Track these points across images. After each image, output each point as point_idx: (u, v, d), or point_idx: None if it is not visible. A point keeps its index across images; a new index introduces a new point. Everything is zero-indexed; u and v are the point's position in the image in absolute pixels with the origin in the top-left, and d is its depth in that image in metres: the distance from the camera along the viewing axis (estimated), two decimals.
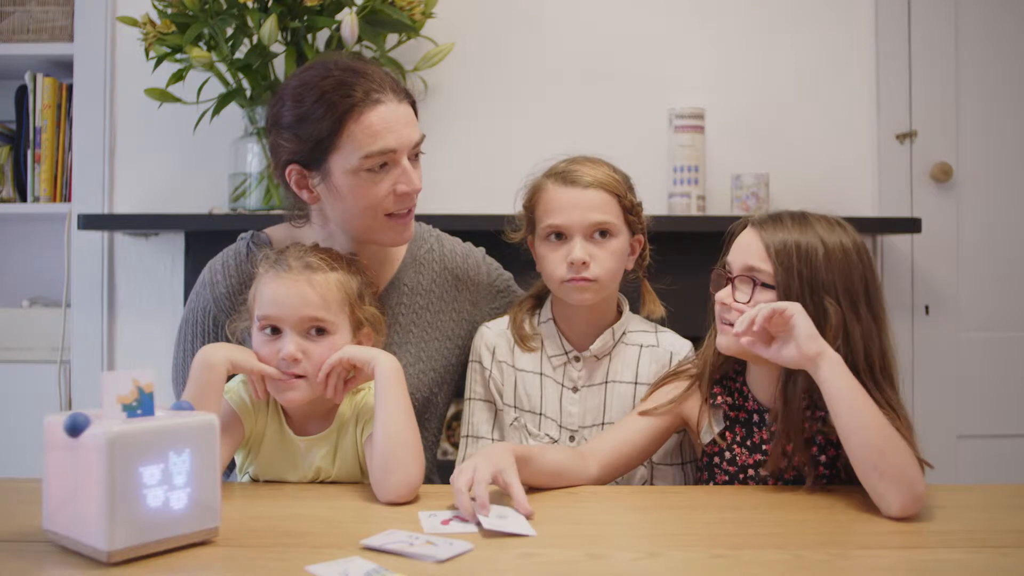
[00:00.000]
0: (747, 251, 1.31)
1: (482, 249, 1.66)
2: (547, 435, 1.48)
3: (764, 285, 1.27)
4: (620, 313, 1.53)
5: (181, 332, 1.54)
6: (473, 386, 1.54)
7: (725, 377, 1.40)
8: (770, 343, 1.24)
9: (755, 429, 1.36)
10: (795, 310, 1.22)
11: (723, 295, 1.32)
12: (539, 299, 1.56)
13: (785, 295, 1.26)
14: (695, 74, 2.49)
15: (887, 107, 2.51)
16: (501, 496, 1.18)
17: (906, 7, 2.51)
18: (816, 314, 1.24)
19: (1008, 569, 0.98)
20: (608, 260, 1.43)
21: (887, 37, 2.51)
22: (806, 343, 1.20)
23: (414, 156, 1.43)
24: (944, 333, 2.53)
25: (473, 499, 1.12)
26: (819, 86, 2.51)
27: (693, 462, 1.50)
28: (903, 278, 2.52)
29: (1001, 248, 2.55)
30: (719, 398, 1.38)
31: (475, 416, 1.53)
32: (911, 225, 2.35)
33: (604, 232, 1.43)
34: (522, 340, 1.52)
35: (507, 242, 1.54)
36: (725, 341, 1.31)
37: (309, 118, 1.36)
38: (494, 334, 1.54)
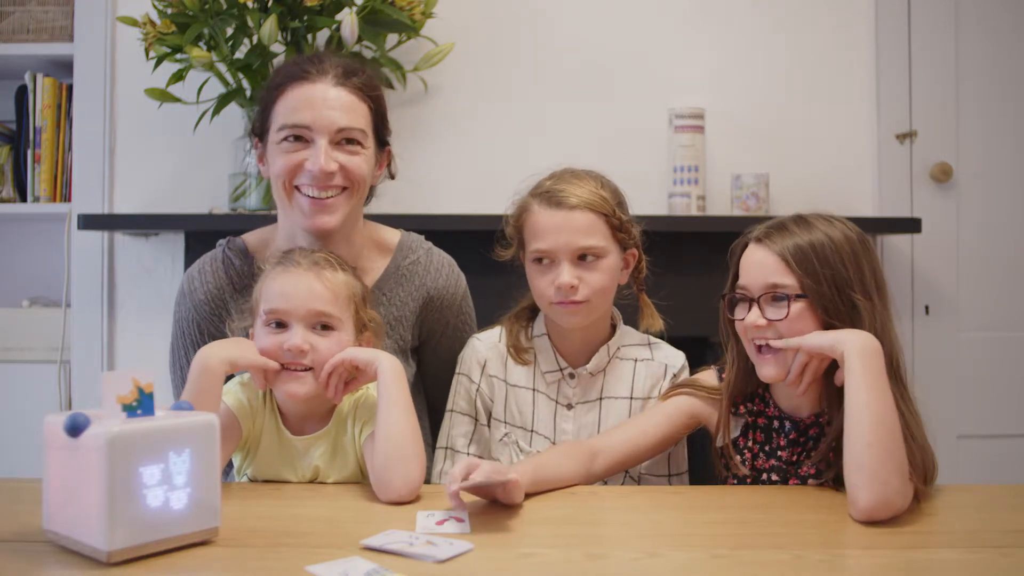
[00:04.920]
0: (763, 268, 1.28)
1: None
2: (539, 452, 1.45)
3: (797, 296, 1.26)
4: (614, 328, 1.51)
5: (173, 346, 1.56)
6: (456, 398, 1.52)
7: (736, 392, 1.39)
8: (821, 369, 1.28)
9: (774, 435, 1.36)
10: (806, 342, 1.24)
11: (754, 319, 1.28)
12: (534, 310, 1.53)
13: (818, 301, 1.25)
14: (695, 74, 2.49)
15: (887, 107, 2.51)
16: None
17: (906, 7, 2.51)
18: (849, 313, 1.25)
19: (1008, 569, 0.98)
20: (597, 281, 1.40)
21: (887, 37, 2.51)
22: (834, 348, 1.22)
23: (343, 142, 1.41)
24: (944, 333, 2.54)
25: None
26: (819, 86, 2.51)
27: (679, 475, 1.50)
28: (903, 278, 2.52)
29: (1001, 248, 2.55)
30: (740, 407, 1.38)
31: (454, 429, 1.51)
32: (911, 225, 2.35)
33: (592, 255, 1.40)
34: (517, 353, 1.49)
35: (497, 260, 1.52)
36: (770, 371, 1.29)
37: (263, 95, 1.46)
38: (485, 347, 1.51)
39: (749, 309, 1.29)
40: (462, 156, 2.48)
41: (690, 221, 2.30)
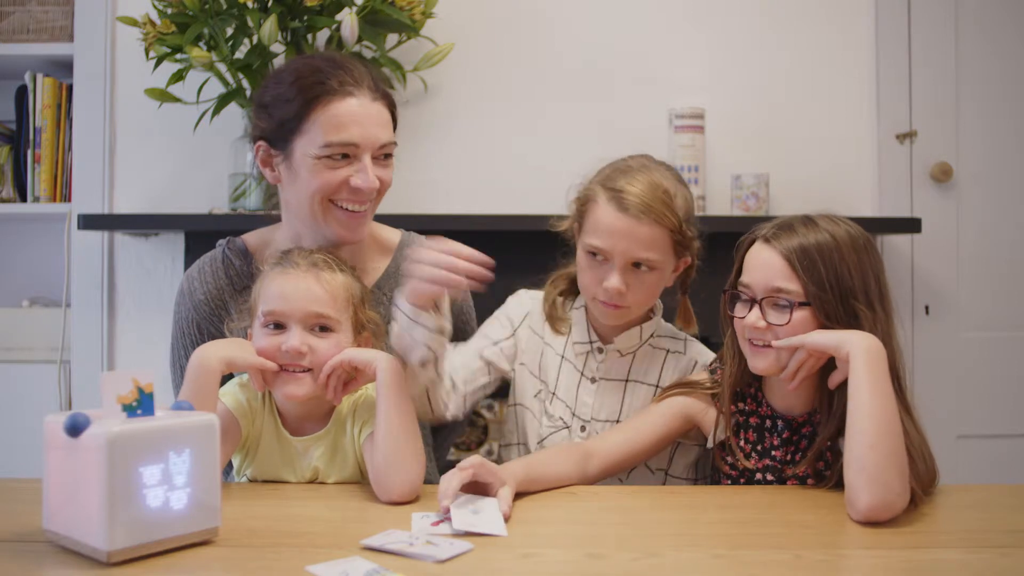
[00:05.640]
0: (769, 270, 1.27)
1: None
2: (561, 418, 1.46)
3: (801, 304, 1.25)
4: (650, 315, 1.50)
5: (173, 346, 1.55)
6: (483, 327, 1.52)
7: (736, 386, 1.39)
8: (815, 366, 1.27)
9: (767, 435, 1.36)
10: (809, 340, 1.23)
11: (754, 320, 1.28)
12: (575, 282, 1.50)
13: (820, 308, 1.25)
14: (695, 74, 2.50)
15: (887, 107, 2.51)
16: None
17: (906, 7, 2.51)
18: (849, 322, 1.24)
19: (1008, 569, 0.98)
20: (644, 291, 1.40)
21: (887, 37, 2.51)
22: (839, 348, 1.21)
23: (381, 157, 1.42)
24: (944, 333, 2.54)
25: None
26: (819, 86, 2.51)
27: (707, 479, 1.49)
28: (903, 278, 2.52)
29: (1001, 248, 2.55)
30: (731, 406, 1.38)
31: (469, 343, 1.50)
32: (911, 225, 2.36)
33: (647, 265, 1.37)
34: (552, 322, 1.50)
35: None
36: (764, 363, 1.29)
37: (281, 99, 1.40)
38: (533, 302, 1.53)
39: (750, 308, 1.29)
40: (462, 156, 2.48)
41: None
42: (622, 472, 1.41)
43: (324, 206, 1.41)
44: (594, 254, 1.39)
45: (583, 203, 1.42)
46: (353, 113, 1.37)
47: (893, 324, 1.29)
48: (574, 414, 1.47)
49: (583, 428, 1.47)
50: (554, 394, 1.48)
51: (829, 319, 1.25)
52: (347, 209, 1.41)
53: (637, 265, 1.37)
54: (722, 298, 1.35)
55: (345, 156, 1.38)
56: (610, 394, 1.47)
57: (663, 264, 1.39)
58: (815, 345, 1.24)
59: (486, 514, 1.11)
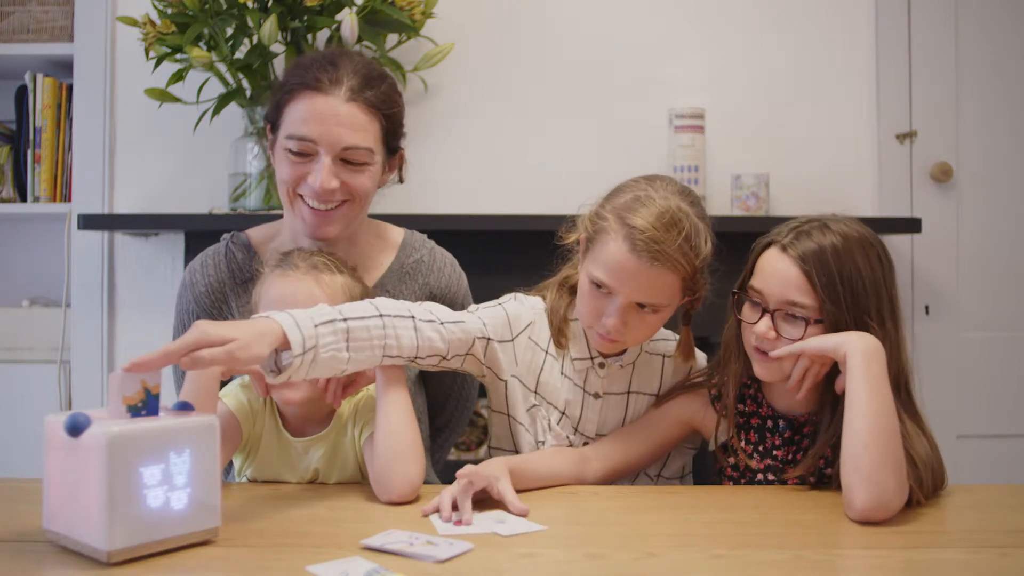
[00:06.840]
0: (784, 281, 1.25)
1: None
2: (568, 437, 1.42)
3: (816, 321, 1.24)
4: None
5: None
6: (477, 312, 1.40)
7: (740, 385, 1.38)
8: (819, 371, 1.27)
9: (768, 435, 1.36)
10: (808, 346, 1.23)
11: (763, 330, 1.26)
12: (574, 289, 1.41)
13: (834, 327, 1.23)
14: (695, 74, 2.50)
15: (887, 107, 2.51)
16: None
17: (906, 7, 2.51)
18: None
19: (1008, 569, 0.98)
20: (644, 330, 1.33)
21: (887, 37, 2.51)
22: (836, 350, 1.21)
23: (352, 162, 1.39)
24: (944, 333, 2.54)
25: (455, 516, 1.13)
26: (819, 86, 2.51)
27: (705, 481, 1.49)
28: (903, 278, 2.52)
29: (1001, 248, 2.55)
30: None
31: (464, 321, 1.35)
32: (911, 225, 2.36)
33: (651, 307, 1.29)
34: (560, 333, 1.40)
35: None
36: (769, 372, 1.29)
37: (277, 86, 1.46)
38: (531, 311, 1.42)
39: (760, 315, 1.27)
40: (462, 156, 2.48)
41: None
42: (621, 479, 1.41)
43: (291, 197, 1.42)
44: (598, 286, 1.30)
45: (594, 228, 1.31)
46: (317, 110, 1.37)
47: (903, 337, 1.28)
48: (576, 429, 1.43)
49: (585, 444, 1.44)
50: (563, 413, 1.41)
51: (839, 332, 1.24)
52: (311, 207, 1.41)
53: (641, 305, 1.29)
54: (730, 299, 1.34)
55: (306, 151, 1.38)
56: (613, 409, 1.43)
57: (669, 306, 1.32)
58: (814, 350, 1.23)
59: (512, 521, 1.13)
